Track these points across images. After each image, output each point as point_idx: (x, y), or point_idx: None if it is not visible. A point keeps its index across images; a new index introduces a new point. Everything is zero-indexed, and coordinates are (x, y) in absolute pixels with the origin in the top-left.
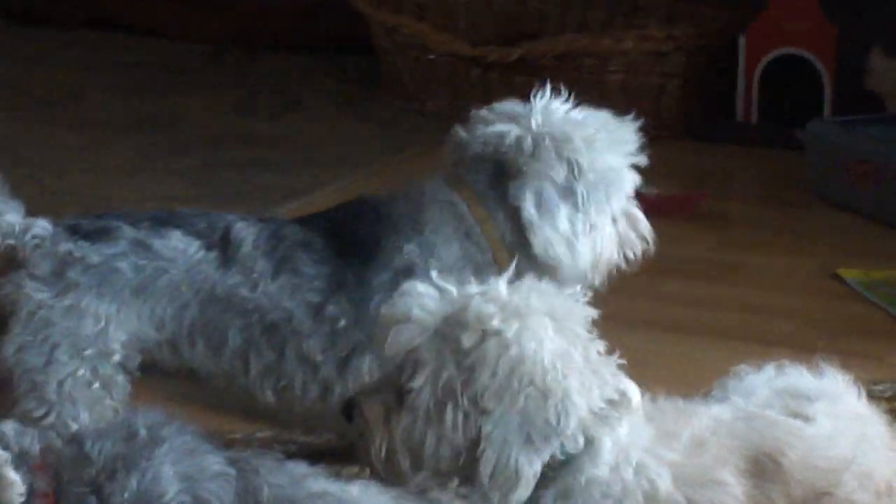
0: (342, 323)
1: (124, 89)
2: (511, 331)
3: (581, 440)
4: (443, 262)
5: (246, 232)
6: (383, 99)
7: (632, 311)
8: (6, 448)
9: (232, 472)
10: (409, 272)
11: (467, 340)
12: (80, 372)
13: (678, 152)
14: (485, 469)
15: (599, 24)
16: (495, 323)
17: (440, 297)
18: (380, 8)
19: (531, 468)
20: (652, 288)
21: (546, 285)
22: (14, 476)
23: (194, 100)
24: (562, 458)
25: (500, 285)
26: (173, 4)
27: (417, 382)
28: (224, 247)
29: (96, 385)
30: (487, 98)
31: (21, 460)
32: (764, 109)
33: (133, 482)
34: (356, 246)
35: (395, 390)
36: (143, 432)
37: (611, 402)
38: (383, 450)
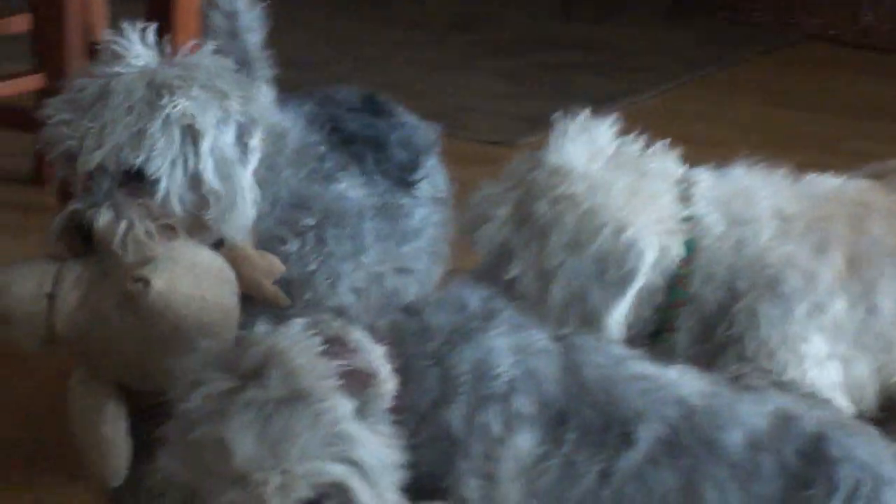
0: None
1: None
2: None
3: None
4: None
5: None
6: (707, 8)
7: None
8: (353, 323)
9: (557, 348)
10: None
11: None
12: None
13: None
14: None
15: None
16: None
17: None
18: None
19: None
20: None
21: None
22: (389, 375)
23: (517, 4)
24: None
25: None
26: None
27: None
28: None
29: None
30: (813, 10)
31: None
32: None
33: (471, 353)
34: None
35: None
36: (475, 304)
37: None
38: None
